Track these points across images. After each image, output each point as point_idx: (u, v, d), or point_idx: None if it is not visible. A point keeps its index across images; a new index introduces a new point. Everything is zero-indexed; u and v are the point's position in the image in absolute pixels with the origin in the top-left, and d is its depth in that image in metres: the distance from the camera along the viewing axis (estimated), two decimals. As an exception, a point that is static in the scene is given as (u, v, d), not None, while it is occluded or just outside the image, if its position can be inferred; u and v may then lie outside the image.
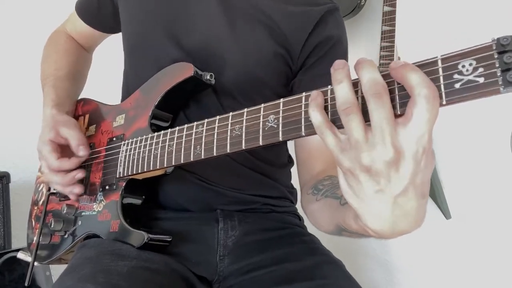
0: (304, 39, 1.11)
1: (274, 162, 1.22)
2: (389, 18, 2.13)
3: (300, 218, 1.27)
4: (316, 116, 0.61)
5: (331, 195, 0.89)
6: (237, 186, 1.14)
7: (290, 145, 1.26)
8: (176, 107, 1.08)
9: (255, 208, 1.17)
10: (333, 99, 0.62)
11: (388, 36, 2.13)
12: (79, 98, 1.32)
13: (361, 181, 0.58)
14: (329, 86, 0.63)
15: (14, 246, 1.86)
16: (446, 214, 2.17)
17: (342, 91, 0.58)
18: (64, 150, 1.09)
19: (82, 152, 1.06)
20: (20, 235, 1.77)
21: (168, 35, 1.10)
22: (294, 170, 1.25)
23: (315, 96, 0.63)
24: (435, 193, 2.16)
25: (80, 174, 1.07)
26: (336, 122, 0.61)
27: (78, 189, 1.08)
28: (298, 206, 1.24)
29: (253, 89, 1.10)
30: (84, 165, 1.14)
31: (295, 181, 1.28)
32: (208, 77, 1.01)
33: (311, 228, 1.20)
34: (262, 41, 1.09)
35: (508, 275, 2.01)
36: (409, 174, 0.55)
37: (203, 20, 1.10)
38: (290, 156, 1.32)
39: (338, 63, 0.60)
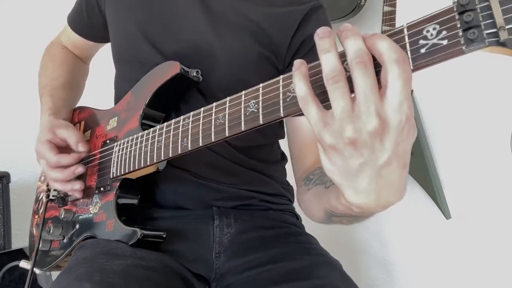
0: (289, 40, 1.12)
1: (266, 159, 1.23)
2: (389, 18, 2.13)
3: (297, 217, 1.27)
4: (301, 86, 0.60)
5: (320, 182, 0.90)
6: (232, 182, 1.15)
7: (283, 143, 1.27)
8: (166, 106, 1.09)
9: (251, 204, 1.18)
10: (316, 73, 0.62)
11: (388, 36, 2.13)
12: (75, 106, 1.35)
13: (346, 156, 0.57)
14: (313, 63, 0.63)
15: (14, 246, 1.86)
16: (446, 214, 2.16)
17: (329, 60, 0.57)
18: (62, 151, 1.11)
19: (81, 148, 1.09)
20: (20, 235, 1.78)
21: (154, 44, 1.13)
22: (289, 167, 1.26)
23: (299, 65, 0.62)
24: (435, 193, 2.15)
25: (80, 169, 1.08)
26: (319, 96, 0.60)
27: (78, 185, 1.09)
28: (296, 204, 1.24)
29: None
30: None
31: (291, 180, 1.28)
32: (194, 74, 1.03)
33: (309, 228, 1.21)
34: (247, 46, 1.11)
35: (508, 275, 1.99)
36: (392, 144, 0.55)
37: (188, 28, 1.12)
38: (283, 154, 1.33)
39: (323, 31, 0.58)
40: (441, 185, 2.19)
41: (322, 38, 0.58)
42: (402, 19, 2.09)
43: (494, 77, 2.00)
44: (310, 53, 1.13)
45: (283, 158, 1.32)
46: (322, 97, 0.60)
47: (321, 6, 1.17)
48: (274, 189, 1.23)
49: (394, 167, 0.57)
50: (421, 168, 2.16)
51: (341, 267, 1.06)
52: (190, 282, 1.00)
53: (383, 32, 2.12)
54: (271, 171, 1.24)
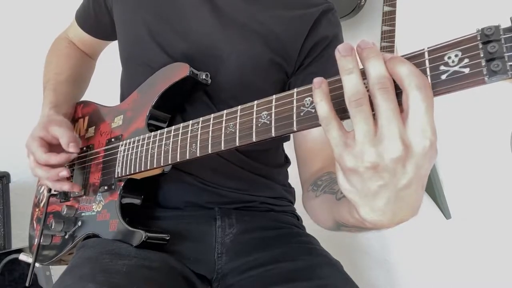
0: (301, 44, 1.11)
1: (271, 163, 1.23)
2: (389, 18, 2.13)
3: (298, 218, 1.28)
4: (323, 107, 0.58)
5: (329, 190, 0.89)
6: (235, 187, 1.15)
7: (287, 145, 1.27)
8: (173, 107, 1.09)
9: (252, 206, 1.18)
10: (336, 89, 0.60)
11: (388, 36, 2.13)
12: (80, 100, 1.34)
13: (365, 178, 0.56)
14: (332, 78, 0.61)
15: (14, 246, 1.87)
16: (446, 214, 2.17)
17: (352, 81, 0.55)
18: (54, 149, 1.09)
19: (72, 148, 1.05)
20: (20, 235, 1.78)
21: (161, 45, 1.11)
22: (291, 169, 1.26)
23: (319, 83, 0.59)
24: (435, 193, 2.15)
25: (64, 172, 1.05)
26: (338, 113, 0.59)
27: (67, 186, 1.07)
28: (297, 206, 1.25)
29: (249, 97, 1.11)
30: (83, 166, 1.16)
31: (293, 181, 1.28)
32: (203, 77, 1.02)
33: (309, 229, 1.21)
34: (258, 51, 1.09)
35: (508, 275, 2.00)
36: (414, 168, 0.54)
37: (196, 29, 1.11)
38: (286, 156, 1.33)
39: (344, 48, 0.56)
40: (441, 185, 2.19)
41: (344, 56, 0.56)
42: (402, 19, 2.09)
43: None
44: (321, 56, 1.12)
45: (286, 161, 1.32)
46: (341, 113, 0.59)
47: (332, 8, 1.16)
48: (276, 192, 1.23)
49: (414, 189, 0.56)
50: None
51: (342, 267, 1.06)
52: (193, 282, 1.01)
53: (383, 31, 2.12)
54: (275, 175, 1.24)
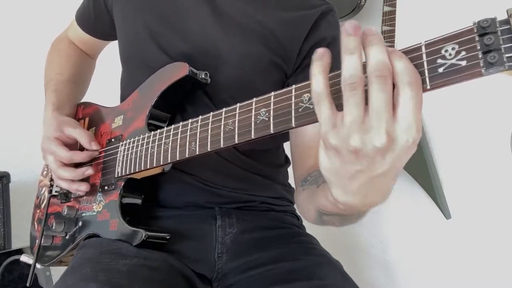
0: (300, 45, 1.11)
1: (271, 163, 1.23)
2: (389, 18, 2.13)
3: (298, 218, 1.28)
4: (319, 80, 0.57)
5: (313, 181, 0.91)
6: (235, 187, 1.15)
7: (287, 145, 1.27)
8: (173, 107, 1.09)
9: (252, 206, 1.18)
10: (334, 77, 0.59)
11: (388, 36, 2.13)
12: (80, 101, 1.34)
13: (345, 161, 0.57)
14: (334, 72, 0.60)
15: (14, 246, 1.87)
16: (446, 214, 2.17)
17: (351, 63, 0.54)
18: (70, 149, 1.10)
19: (95, 146, 1.09)
20: (20, 235, 1.78)
21: (161, 45, 1.12)
22: (291, 169, 1.26)
23: (321, 54, 0.58)
24: (435, 193, 2.16)
25: (89, 171, 1.08)
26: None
27: (84, 186, 1.09)
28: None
29: (248, 97, 1.11)
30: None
31: (292, 181, 1.28)
32: (203, 76, 1.02)
33: (309, 229, 1.21)
34: (257, 51, 1.10)
35: (508, 275, 2.00)
36: (393, 159, 0.55)
37: (195, 29, 1.11)
38: (286, 156, 1.33)
39: (351, 26, 0.54)
40: (441, 185, 2.19)
41: (349, 35, 0.54)
42: (402, 19, 2.09)
43: (494, 77, 1.99)
44: None
45: (286, 161, 1.32)
46: (336, 102, 0.58)
47: (331, 9, 1.16)
48: (276, 192, 1.23)
49: (388, 178, 0.59)
50: (421, 168, 2.16)
51: (341, 267, 1.07)
52: (193, 282, 1.01)
53: (383, 31, 2.13)
54: (275, 175, 1.24)
